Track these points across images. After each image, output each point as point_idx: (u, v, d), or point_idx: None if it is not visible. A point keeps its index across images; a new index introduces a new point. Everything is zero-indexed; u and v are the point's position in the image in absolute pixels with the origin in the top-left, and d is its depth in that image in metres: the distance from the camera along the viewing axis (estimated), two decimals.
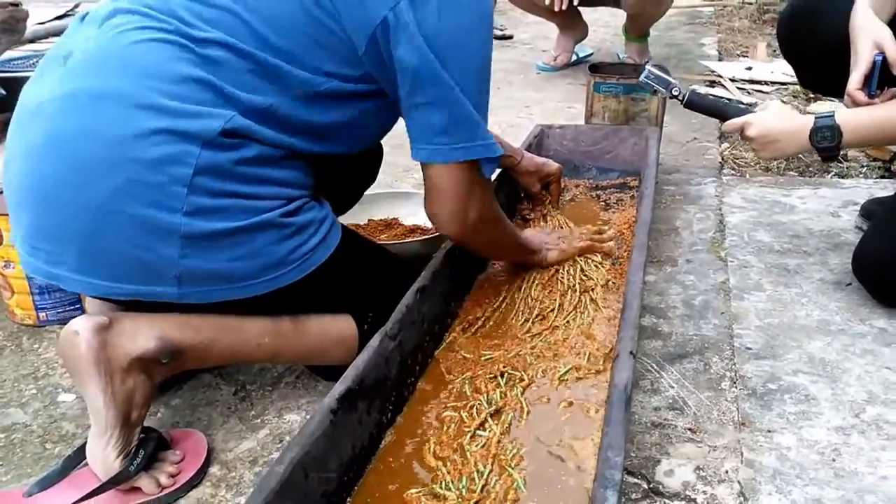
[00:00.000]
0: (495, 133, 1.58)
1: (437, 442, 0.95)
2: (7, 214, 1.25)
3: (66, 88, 0.93)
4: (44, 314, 1.37)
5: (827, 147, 1.30)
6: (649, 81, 1.58)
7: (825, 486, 0.96)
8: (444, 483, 0.88)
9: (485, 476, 0.89)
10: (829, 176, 1.95)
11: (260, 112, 0.97)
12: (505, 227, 1.23)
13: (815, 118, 1.31)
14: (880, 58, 1.26)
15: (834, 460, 1.00)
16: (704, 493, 0.96)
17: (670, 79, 1.58)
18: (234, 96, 0.95)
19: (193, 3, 0.97)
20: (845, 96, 1.32)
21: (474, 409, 1.00)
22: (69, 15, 3.80)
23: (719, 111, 1.51)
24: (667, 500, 0.95)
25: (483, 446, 0.94)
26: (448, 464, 0.91)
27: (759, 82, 2.62)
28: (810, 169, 1.98)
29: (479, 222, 1.11)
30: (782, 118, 1.38)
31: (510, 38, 3.63)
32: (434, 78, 0.98)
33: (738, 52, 3.15)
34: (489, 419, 0.99)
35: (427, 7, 0.96)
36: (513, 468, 0.91)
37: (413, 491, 0.88)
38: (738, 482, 0.97)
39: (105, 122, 0.90)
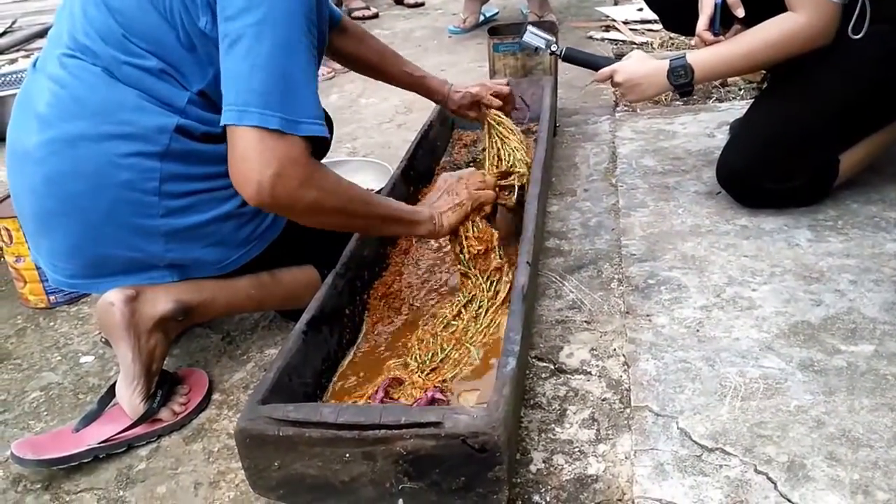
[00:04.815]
0: (426, 73, 1.67)
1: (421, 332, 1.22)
2: (14, 217, 1.48)
3: (44, 136, 1.12)
4: (54, 297, 1.60)
5: (683, 83, 1.50)
6: (528, 42, 1.79)
7: (690, 350, 1.21)
8: (413, 356, 1.14)
9: (446, 352, 1.14)
10: (710, 101, 2.21)
11: (190, 107, 1.12)
12: (338, 190, 1.07)
13: (670, 60, 1.51)
14: (720, 1, 1.49)
15: (698, 331, 1.25)
16: (597, 366, 1.21)
17: (548, 37, 1.78)
18: (168, 102, 1.11)
19: (96, 38, 1.10)
20: (695, 37, 1.55)
21: (451, 306, 1.26)
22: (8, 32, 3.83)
23: (591, 63, 1.70)
24: (568, 376, 1.19)
25: (452, 332, 1.20)
26: (420, 345, 1.18)
27: (649, 21, 2.84)
28: (694, 97, 2.24)
29: (279, 182, 0.98)
30: (643, 64, 1.56)
31: (422, 4, 3.77)
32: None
33: None
34: (462, 310, 1.24)
35: None
36: (471, 344, 1.16)
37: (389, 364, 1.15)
38: (623, 355, 1.22)
39: (82, 161, 1.10)
